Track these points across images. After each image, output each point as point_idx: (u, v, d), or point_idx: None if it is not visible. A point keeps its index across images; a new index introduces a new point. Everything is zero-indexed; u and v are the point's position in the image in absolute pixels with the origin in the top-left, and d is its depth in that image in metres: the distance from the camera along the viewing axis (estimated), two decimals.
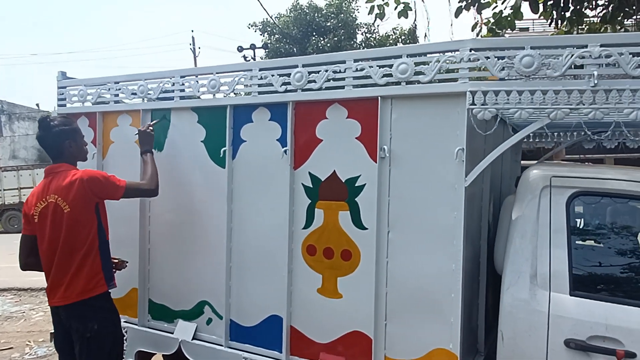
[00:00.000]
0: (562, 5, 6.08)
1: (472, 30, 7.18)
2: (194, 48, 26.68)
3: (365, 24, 24.13)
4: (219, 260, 3.05)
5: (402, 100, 2.54)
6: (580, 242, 2.43)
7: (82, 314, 2.72)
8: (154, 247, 3.34)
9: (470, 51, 2.34)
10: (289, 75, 2.80)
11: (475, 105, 2.31)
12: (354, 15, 23.86)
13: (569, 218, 2.40)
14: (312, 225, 2.78)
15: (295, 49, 22.68)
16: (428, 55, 2.47)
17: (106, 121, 3.53)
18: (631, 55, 2.12)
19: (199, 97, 3.16)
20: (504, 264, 2.49)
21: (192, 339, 3.10)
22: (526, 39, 2.30)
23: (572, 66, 2.20)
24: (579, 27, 7.15)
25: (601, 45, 2.16)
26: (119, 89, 3.48)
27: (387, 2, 6.92)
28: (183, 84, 3.18)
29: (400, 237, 2.56)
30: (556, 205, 2.43)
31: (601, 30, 6.56)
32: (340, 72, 2.65)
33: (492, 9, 6.82)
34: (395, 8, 6.97)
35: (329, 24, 23.35)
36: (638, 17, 6.98)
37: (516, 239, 2.48)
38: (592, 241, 2.49)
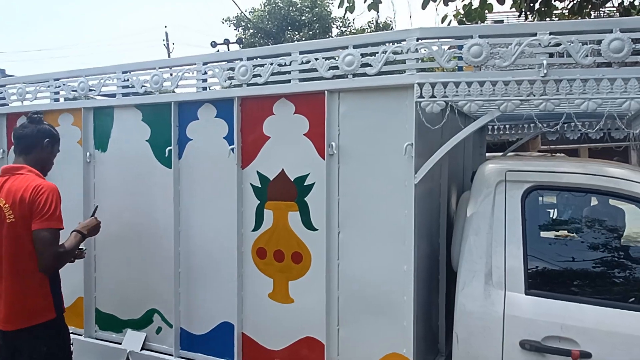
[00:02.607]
0: None
1: (442, 23, 7.11)
2: (168, 44, 26.15)
3: (340, 18, 23.98)
4: (167, 266, 2.89)
5: (349, 93, 2.42)
6: (535, 239, 2.34)
7: (28, 341, 2.43)
8: (100, 254, 3.16)
9: (418, 41, 2.22)
10: (234, 69, 2.65)
11: (424, 97, 2.19)
12: (328, 9, 23.67)
13: (524, 213, 2.31)
14: (262, 227, 2.65)
15: (270, 44, 22.42)
16: (377, 47, 2.36)
17: (47, 121, 3.31)
18: (581, 44, 2.03)
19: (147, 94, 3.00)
20: (458, 263, 2.39)
21: (141, 350, 2.95)
22: (475, 27, 2.19)
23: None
24: (549, 18, 7.15)
25: (551, 33, 2.07)
26: (59, 86, 3.28)
27: None
28: (126, 80, 3.00)
29: (351, 238, 2.44)
30: (511, 200, 2.34)
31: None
32: (285, 65, 2.51)
33: (462, 1, 6.76)
34: (365, 1, 6.88)
35: (303, 17, 23.12)
36: (605, 9, 7.01)
37: (471, 237, 2.38)
38: (548, 237, 2.41)
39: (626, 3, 6.75)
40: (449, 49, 2.20)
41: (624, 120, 3.50)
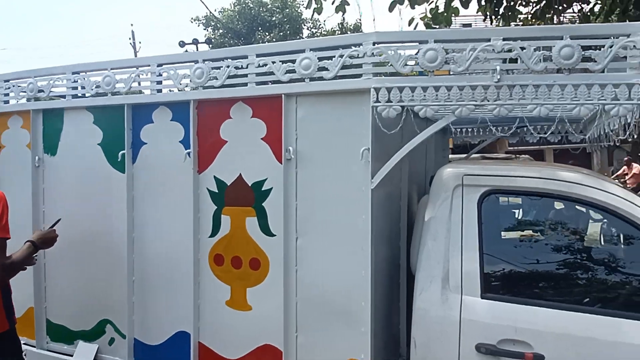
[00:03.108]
0: (494, 1, 6.13)
1: (409, 26, 7.16)
2: (134, 42, 25.60)
3: (311, 19, 23.98)
4: (120, 274, 2.79)
5: (307, 97, 2.39)
6: (492, 243, 2.35)
7: None
8: (51, 262, 3.03)
9: (374, 45, 2.20)
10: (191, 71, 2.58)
11: (380, 102, 2.18)
12: (299, 10, 23.64)
13: (481, 218, 2.32)
14: (219, 233, 2.59)
15: (240, 45, 22.23)
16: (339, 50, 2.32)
17: None
18: (533, 49, 2.06)
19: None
20: (416, 268, 2.39)
21: None
22: (430, 32, 2.20)
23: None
24: (514, 22, 7.30)
25: (504, 39, 2.08)
26: (9, 88, 3.13)
27: None
28: (75, 81, 2.89)
29: (309, 244, 2.41)
30: (468, 204, 2.35)
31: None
32: (242, 67, 2.46)
33: (429, 4, 6.83)
34: (333, 2, 6.87)
35: (274, 18, 23.03)
36: (566, 14, 7.20)
37: (428, 241, 2.38)
38: (504, 241, 2.43)
39: (586, 9, 6.97)
40: (416, 53, 2.19)
41: (578, 124, 3.60)
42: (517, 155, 13.09)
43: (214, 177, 2.58)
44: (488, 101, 2.10)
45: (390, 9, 6.64)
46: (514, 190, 2.36)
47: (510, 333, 2.14)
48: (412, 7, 6.69)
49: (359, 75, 2.25)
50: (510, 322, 2.15)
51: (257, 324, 2.51)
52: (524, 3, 6.94)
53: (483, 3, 6.43)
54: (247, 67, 2.45)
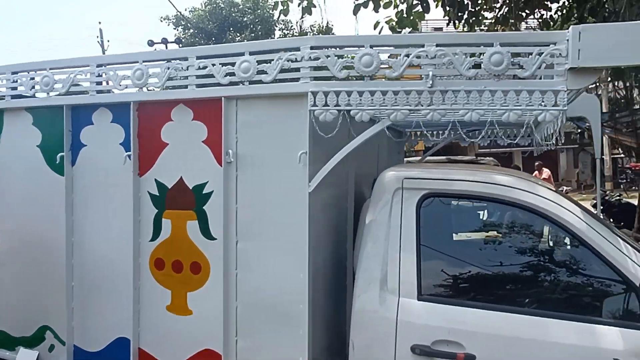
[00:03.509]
0: (457, 6, 6.21)
1: (375, 29, 7.21)
2: (102, 41, 25.05)
3: (283, 20, 23.96)
4: (59, 279, 2.73)
5: (247, 101, 2.38)
6: (429, 245, 2.39)
7: None
8: None
9: (312, 49, 2.21)
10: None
11: (317, 106, 2.19)
12: (271, 12, 23.56)
13: (419, 220, 2.35)
14: (160, 237, 2.55)
15: (211, 45, 22.04)
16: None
17: None
18: (465, 56, 2.10)
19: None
20: (356, 270, 2.41)
21: None
22: (366, 37, 2.22)
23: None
24: (478, 27, 7.43)
25: (437, 45, 2.12)
26: None
27: None
28: (15, 81, 2.81)
29: (249, 247, 2.40)
30: (407, 207, 2.37)
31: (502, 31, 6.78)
32: (182, 69, 2.44)
33: (394, 8, 6.89)
34: (299, 5, 6.88)
35: (245, 19, 22.90)
36: (527, 20, 7.37)
37: (368, 244, 2.41)
38: (441, 244, 2.47)
39: (547, 16, 7.17)
40: (339, 58, 2.19)
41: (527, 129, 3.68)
42: (482, 158, 13.38)
43: (155, 180, 2.55)
44: (422, 106, 2.13)
45: (355, 12, 6.68)
46: (451, 193, 2.40)
47: (444, 334, 2.17)
48: (376, 11, 6.75)
49: (298, 79, 2.26)
50: (445, 324, 2.19)
51: (198, 328, 2.49)
52: (487, 8, 7.09)
53: (448, 8, 6.52)
54: (187, 69, 2.43)
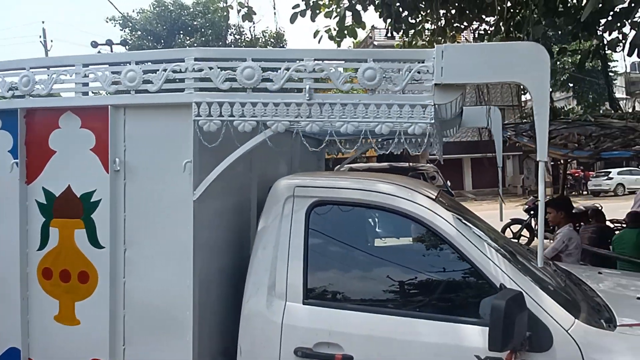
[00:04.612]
0: (394, 18, 6.36)
1: (315, 38, 7.31)
2: (45, 41, 24.10)
3: (234, 25, 23.84)
4: None
5: (134, 109, 2.40)
6: (316, 251, 2.47)
7: None
8: None
9: (195, 61, 2.26)
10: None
11: (201, 116, 2.24)
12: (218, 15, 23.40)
13: (308, 227, 2.44)
14: (48, 246, 2.51)
15: (160, 48, 21.60)
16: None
17: None
18: (341, 70, 2.21)
19: None
20: (247, 276, 2.46)
21: None
22: (248, 50, 2.29)
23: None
24: (419, 38, 7.67)
25: (315, 60, 2.21)
26: None
27: (230, 5, 6.79)
28: None
29: (137, 255, 2.41)
30: (297, 214, 2.45)
31: (441, 42, 7.01)
32: (68, 76, 2.42)
33: (334, 18, 7.01)
34: (239, 12, 6.90)
35: (196, 22, 22.62)
36: (465, 32, 7.67)
37: (259, 250, 2.47)
38: (328, 250, 2.56)
39: (481, 29, 7.49)
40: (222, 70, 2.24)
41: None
42: (423, 165, 13.78)
43: (43, 188, 2.51)
44: (301, 117, 2.22)
45: (292, 20, 6.78)
46: (338, 201, 2.50)
47: (326, 336, 2.26)
48: (313, 20, 6.87)
49: (181, 90, 2.30)
50: (326, 326, 2.28)
51: (86, 338, 2.46)
52: (427, 21, 7.34)
53: (388, 20, 6.67)
54: (73, 76, 2.42)
